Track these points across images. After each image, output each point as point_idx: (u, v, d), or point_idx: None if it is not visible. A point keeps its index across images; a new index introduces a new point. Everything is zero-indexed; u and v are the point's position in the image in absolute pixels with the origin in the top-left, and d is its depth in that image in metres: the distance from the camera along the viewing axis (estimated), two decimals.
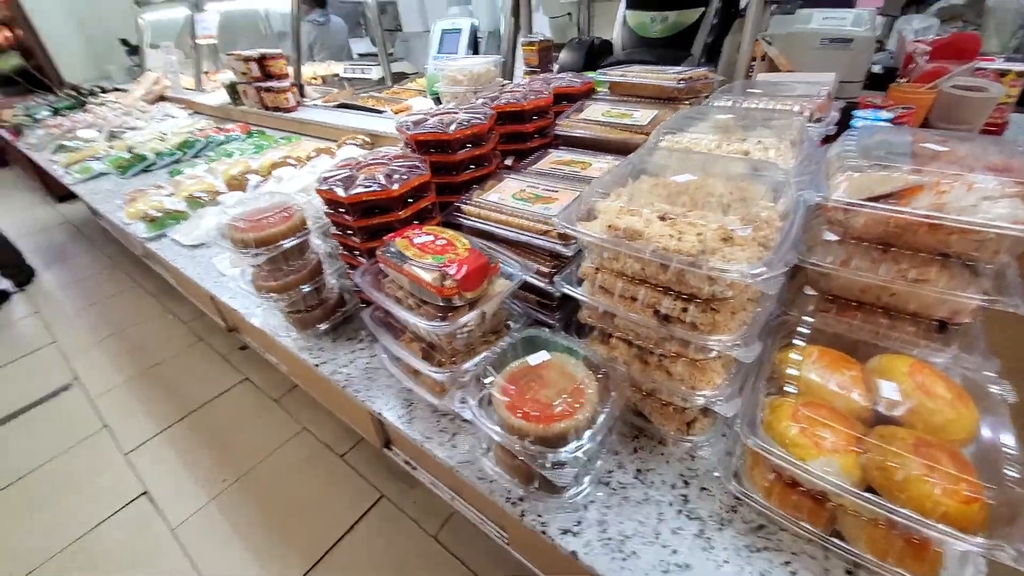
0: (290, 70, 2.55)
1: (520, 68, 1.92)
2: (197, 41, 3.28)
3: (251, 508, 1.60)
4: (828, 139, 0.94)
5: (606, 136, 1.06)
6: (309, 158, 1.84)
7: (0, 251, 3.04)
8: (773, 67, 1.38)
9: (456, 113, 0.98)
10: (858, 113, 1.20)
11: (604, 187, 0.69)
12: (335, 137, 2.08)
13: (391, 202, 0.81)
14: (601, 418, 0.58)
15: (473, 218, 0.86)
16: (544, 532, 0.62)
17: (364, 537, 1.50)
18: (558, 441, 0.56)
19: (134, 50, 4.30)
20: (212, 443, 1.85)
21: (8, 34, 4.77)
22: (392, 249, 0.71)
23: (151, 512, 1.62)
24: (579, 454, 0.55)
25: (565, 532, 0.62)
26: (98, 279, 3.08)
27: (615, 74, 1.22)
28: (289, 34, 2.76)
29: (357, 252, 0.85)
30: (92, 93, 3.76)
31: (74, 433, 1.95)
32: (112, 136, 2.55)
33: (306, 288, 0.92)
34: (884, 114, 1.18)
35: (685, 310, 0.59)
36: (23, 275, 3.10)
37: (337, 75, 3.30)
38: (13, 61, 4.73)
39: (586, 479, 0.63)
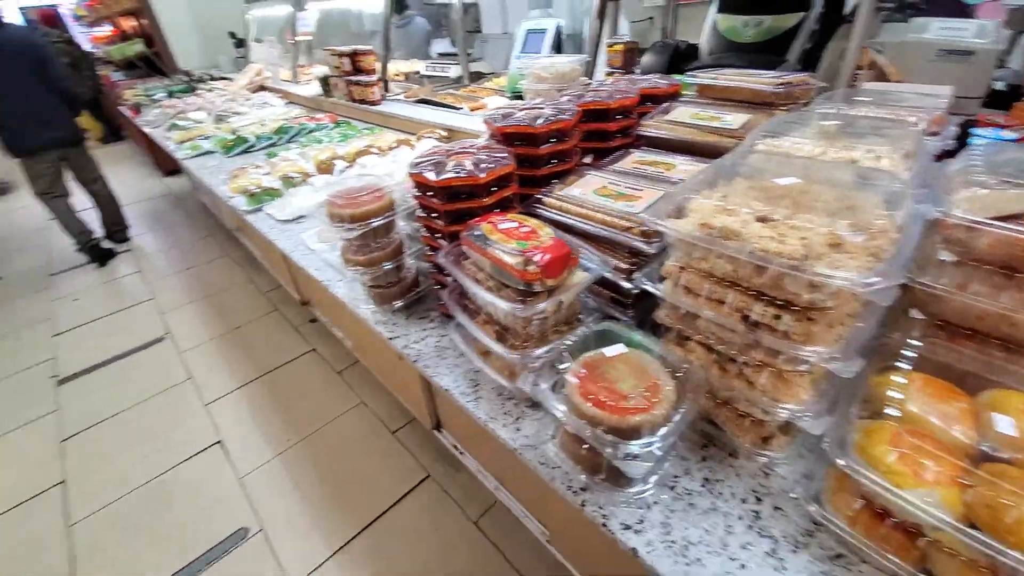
0: (378, 66, 2.70)
1: (600, 69, 1.92)
2: (297, 37, 3.55)
3: (310, 468, 1.72)
4: (944, 155, 0.86)
5: (692, 139, 1.03)
6: (391, 148, 1.94)
7: (112, 213, 3.47)
8: (881, 76, 1.29)
9: (543, 108, 1.00)
10: (977, 131, 1.09)
11: (695, 186, 0.68)
12: (414, 130, 2.18)
13: (477, 188, 0.84)
14: (677, 417, 0.57)
15: (553, 210, 0.87)
16: (605, 525, 0.62)
17: (410, 511, 1.56)
18: (631, 434, 0.56)
19: (240, 43, 4.74)
20: (280, 405, 2.00)
21: (135, 23, 5.40)
22: (477, 232, 0.74)
23: (222, 460, 1.78)
24: (653, 449, 0.55)
25: (627, 528, 0.61)
26: (194, 247, 3.42)
27: (705, 77, 1.19)
28: (377, 33, 2.92)
29: (439, 234, 0.89)
30: (202, 80, 4.18)
31: (163, 381, 2.18)
32: (218, 119, 2.82)
33: (388, 265, 0.97)
34: (1007, 134, 1.06)
35: (778, 317, 0.56)
36: (124, 236, 3.52)
37: (418, 72, 3.45)
38: (137, 47, 5.34)
39: (652, 479, 0.62)
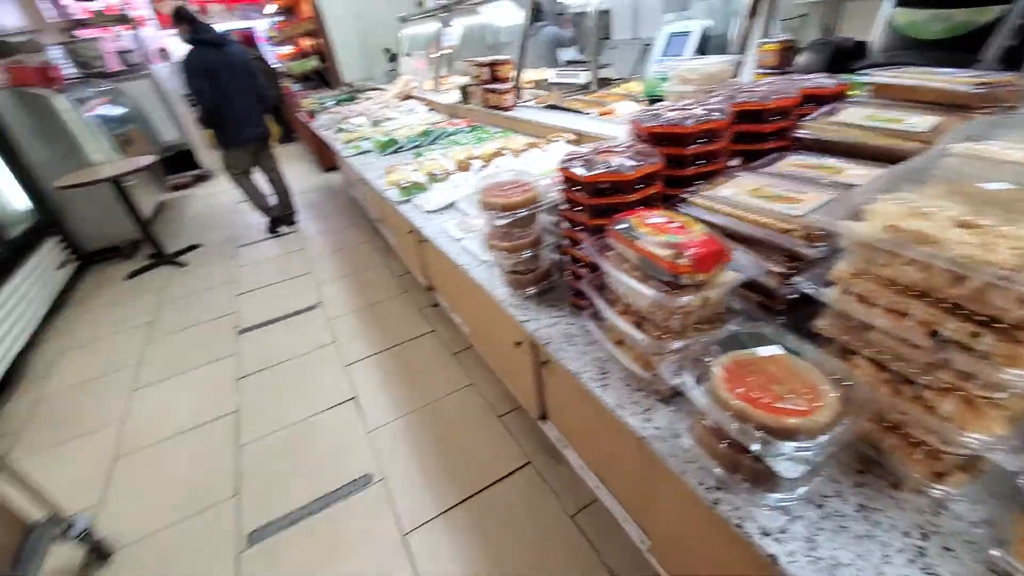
0: (513, 74, 2.87)
1: (747, 69, 1.83)
2: (440, 51, 3.93)
3: (425, 434, 1.90)
4: None
5: (864, 142, 0.94)
6: (522, 150, 2.06)
7: (284, 199, 4.18)
8: None
9: (692, 109, 1.00)
10: None
11: (877, 189, 0.63)
12: (543, 134, 2.28)
13: (623, 185, 0.87)
14: (838, 429, 0.54)
15: (701, 210, 0.86)
16: (740, 527, 0.61)
17: (508, 492, 1.64)
18: (784, 435, 0.54)
19: (393, 57, 5.36)
20: (404, 375, 2.24)
21: (313, 42, 6.41)
22: (625, 226, 0.77)
23: (355, 415, 2.05)
24: (809, 455, 0.53)
25: (765, 534, 0.59)
26: (344, 233, 3.97)
27: (883, 76, 1.07)
28: (509, 43, 3.10)
29: (581, 227, 0.94)
30: (360, 90, 4.82)
31: (315, 340, 2.57)
32: (375, 123, 3.24)
33: (528, 253, 1.05)
34: None
35: (976, 335, 0.51)
36: (292, 220, 4.21)
37: (546, 80, 3.58)
38: (312, 63, 6.31)
39: (801, 489, 0.60)
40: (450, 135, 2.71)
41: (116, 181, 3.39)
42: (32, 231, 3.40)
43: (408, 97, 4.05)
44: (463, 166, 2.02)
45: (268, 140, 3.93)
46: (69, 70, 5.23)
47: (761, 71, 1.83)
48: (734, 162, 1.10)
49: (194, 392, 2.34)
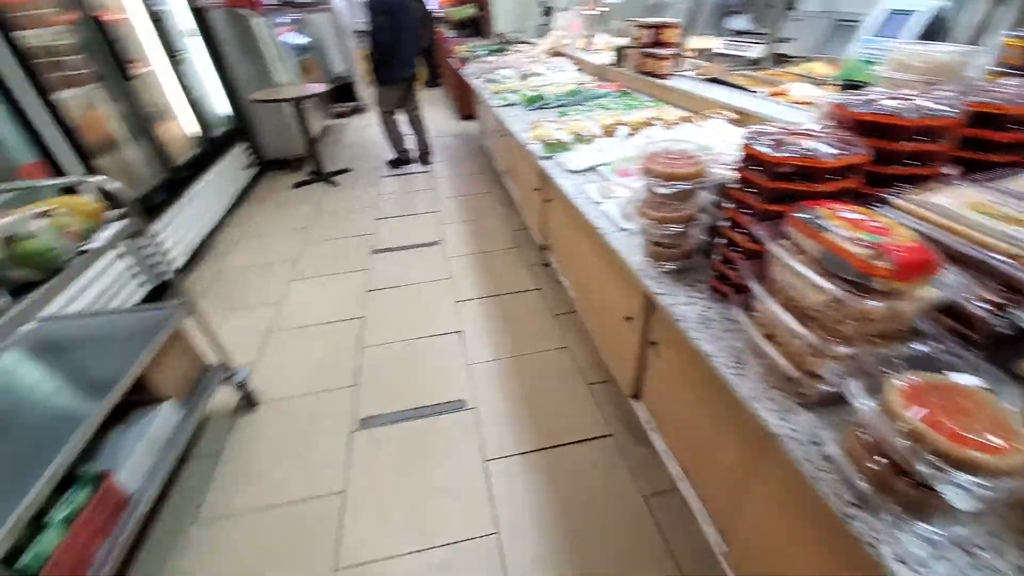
0: (677, 40, 2.68)
1: (981, 64, 1.51)
2: (597, 7, 3.78)
3: (516, 380, 2.02)
4: None
5: None
6: (675, 123, 1.96)
7: (422, 139, 4.49)
8: None
9: (916, 100, 0.87)
10: None
11: None
12: (698, 108, 2.13)
13: (815, 172, 0.81)
14: None
15: (904, 214, 0.77)
16: (873, 547, 0.58)
17: (585, 455, 1.70)
18: (963, 467, 0.50)
19: (547, 11, 5.28)
20: (505, 322, 2.37)
21: None
22: (811, 215, 0.72)
23: (459, 346, 2.24)
24: (987, 493, 0.48)
25: (901, 561, 0.56)
26: (469, 180, 4.17)
27: None
28: (671, 5, 2.87)
29: (750, 210, 0.89)
30: (511, 42, 4.86)
31: (433, 273, 2.81)
32: (522, 77, 3.28)
33: (678, 228, 1.03)
34: None
35: None
36: (428, 160, 4.52)
37: (710, 50, 3.29)
38: (469, 11, 6.46)
39: (957, 529, 0.55)
40: (598, 98, 2.66)
41: (297, 102, 3.90)
42: (229, 134, 4.09)
43: (557, 54, 4.00)
44: (608, 131, 1.99)
45: (415, 82, 4.20)
46: None
47: (999, 69, 1.50)
48: (951, 169, 0.95)
49: (333, 294, 2.72)
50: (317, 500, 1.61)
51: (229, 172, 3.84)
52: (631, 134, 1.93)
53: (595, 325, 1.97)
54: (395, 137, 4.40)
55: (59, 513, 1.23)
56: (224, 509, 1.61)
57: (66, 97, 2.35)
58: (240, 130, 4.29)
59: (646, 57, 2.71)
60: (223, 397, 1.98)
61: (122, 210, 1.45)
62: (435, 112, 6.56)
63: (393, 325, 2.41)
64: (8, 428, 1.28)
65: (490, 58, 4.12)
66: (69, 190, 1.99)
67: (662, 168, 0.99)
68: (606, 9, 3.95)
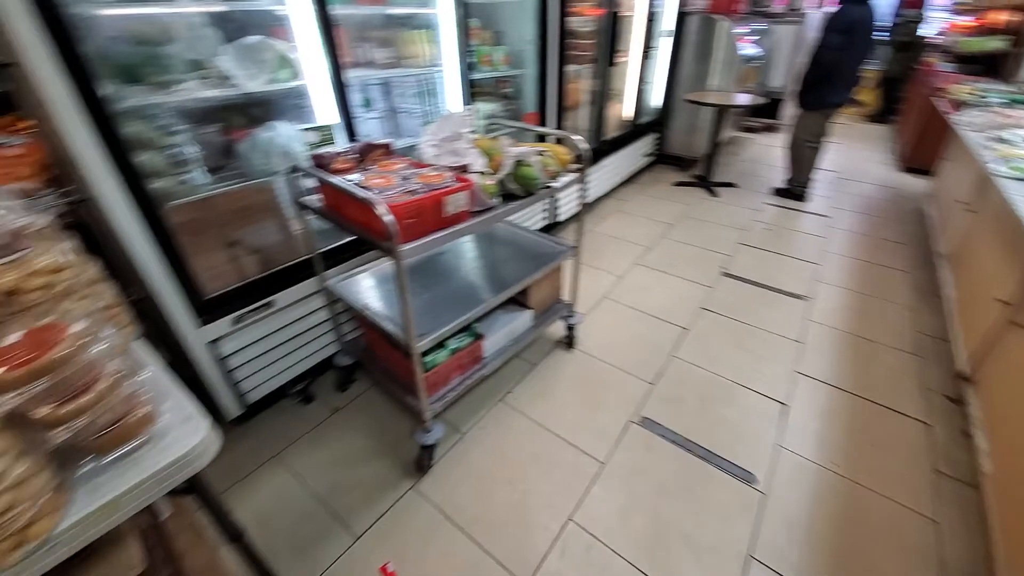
0: None
1: None
2: None
3: (834, 516, 1.59)
4: None
5: None
6: None
7: (804, 169, 3.88)
8: None
9: None
10: None
11: None
12: None
13: None
14: None
15: None
16: None
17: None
18: None
19: None
20: (851, 433, 1.87)
21: (1011, 18, 4.72)
22: None
23: (776, 419, 1.92)
24: None
25: None
26: (879, 245, 3.33)
27: None
28: None
29: None
30: None
31: (782, 327, 2.46)
32: None
33: None
34: None
35: None
36: (803, 195, 3.98)
37: None
38: (995, 43, 4.77)
39: None
40: None
41: (722, 109, 3.94)
42: (649, 123, 4.56)
43: None
44: None
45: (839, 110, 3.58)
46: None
47: None
48: None
49: (669, 293, 2.78)
50: (581, 455, 1.78)
51: (633, 155, 4.34)
52: None
53: (1011, 522, 1.30)
54: (799, 168, 3.91)
55: (452, 344, 1.79)
56: (521, 406, 1.99)
57: (567, 70, 3.11)
58: (659, 122, 4.71)
59: None
60: (554, 328, 2.38)
61: (580, 165, 1.84)
62: (867, 151, 5.42)
63: (712, 353, 2.28)
64: (453, 280, 1.92)
65: (1009, 111, 2.98)
66: (544, 139, 2.68)
67: None
68: None
